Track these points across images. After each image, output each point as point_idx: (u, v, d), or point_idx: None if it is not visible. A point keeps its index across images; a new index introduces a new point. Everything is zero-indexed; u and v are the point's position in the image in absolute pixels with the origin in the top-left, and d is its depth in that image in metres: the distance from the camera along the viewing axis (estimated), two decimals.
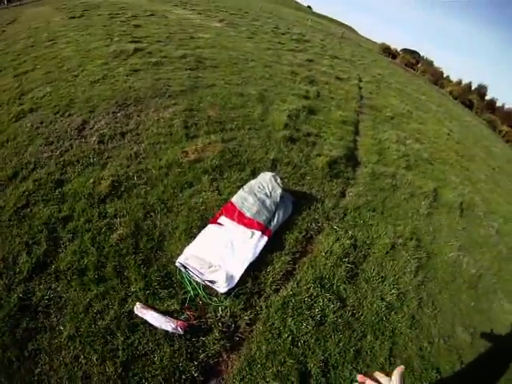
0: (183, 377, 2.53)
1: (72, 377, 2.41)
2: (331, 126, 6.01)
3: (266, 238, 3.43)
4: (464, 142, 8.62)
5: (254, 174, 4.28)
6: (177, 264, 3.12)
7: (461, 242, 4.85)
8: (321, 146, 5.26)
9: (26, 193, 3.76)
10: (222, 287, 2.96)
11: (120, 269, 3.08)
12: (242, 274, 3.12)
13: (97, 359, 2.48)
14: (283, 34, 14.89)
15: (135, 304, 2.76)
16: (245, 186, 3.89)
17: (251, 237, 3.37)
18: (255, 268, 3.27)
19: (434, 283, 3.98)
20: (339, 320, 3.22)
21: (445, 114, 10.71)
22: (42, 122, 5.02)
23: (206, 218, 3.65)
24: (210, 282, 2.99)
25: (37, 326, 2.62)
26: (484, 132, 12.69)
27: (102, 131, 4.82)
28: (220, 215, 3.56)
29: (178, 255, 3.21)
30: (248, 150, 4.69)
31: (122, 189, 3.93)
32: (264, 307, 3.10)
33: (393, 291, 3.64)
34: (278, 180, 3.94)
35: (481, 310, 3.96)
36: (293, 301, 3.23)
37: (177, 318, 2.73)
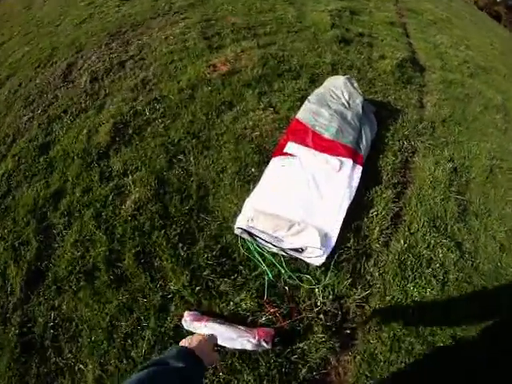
0: None
1: None
2: (380, 27, 4.12)
3: (360, 168, 1.90)
4: (507, 54, 6.64)
5: (313, 82, 2.61)
6: (236, 231, 1.63)
7: None
8: (380, 48, 3.47)
9: (6, 175, 2.29)
10: (316, 257, 1.51)
11: (146, 257, 1.68)
12: (340, 229, 1.66)
13: None
14: None
15: (183, 314, 1.34)
16: (311, 97, 2.24)
17: (340, 168, 1.83)
18: (353, 214, 1.80)
19: None
20: (460, 274, 1.97)
21: (479, 24, 8.47)
22: (20, 84, 3.36)
23: (266, 148, 2.08)
24: (295, 250, 1.52)
25: (50, 369, 1.47)
26: None
27: (93, 68, 3.20)
28: (286, 141, 1.96)
29: (235, 215, 1.72)
30: (296, 55, 2.93)
31: (130, 131, 2.37)
32: (377, 275, 1.72)
33: (501, 228, 2.34)
34: (355, 84, 2.30)
35: None
36: (410, 257, 1.89)
37: (256, 326, 1.32)
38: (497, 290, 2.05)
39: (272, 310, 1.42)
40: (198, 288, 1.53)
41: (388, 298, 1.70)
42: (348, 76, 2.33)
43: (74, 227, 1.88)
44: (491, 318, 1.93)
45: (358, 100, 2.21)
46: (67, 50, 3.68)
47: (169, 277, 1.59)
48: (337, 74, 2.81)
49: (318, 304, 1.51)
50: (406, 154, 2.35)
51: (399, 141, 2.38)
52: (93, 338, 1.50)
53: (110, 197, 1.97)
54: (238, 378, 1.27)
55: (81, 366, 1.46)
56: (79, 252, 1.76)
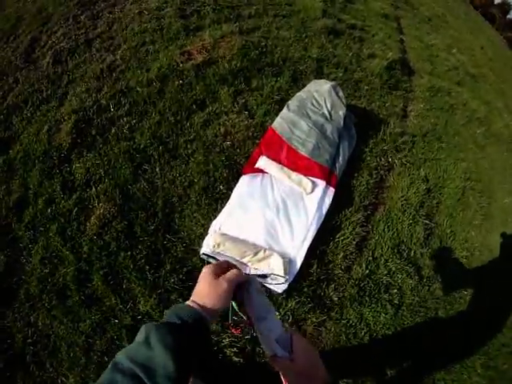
0: None
1: None
2: (373, 19, 4.18)
3: (332, 191, 2.01)
4: (496, 60, 7.02)
5: (295, 81, 2.65)
6: (202, 256, 1.73)
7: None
8: (371, 44, 3.55)
9: None
10: (279, 284, 1.64)
11: (114, 279, 1.78)
12: (306, 254, 1.80)
13: None
14: None
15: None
16: (291, 102, 2.28)
17: (312, 190, 1.94)
18: (320, 238, 1.95)
19: (493, 237, 2.94)
20: (416, 299, 2.25)
21: (473, 24, 8.76)
22: None
23: (237, 161, 2.13)
24: (259, 276, 1.64)
25: (35, 382, 1.65)
26: (507, 53, 10.88)
27: (57, 46, 3.02)
28: (259, 154, 2.02)
29: (201, 238, 1.81)
30: (280, 45, 2.93)
31: (93, 131, 2.34)
32: (336, 299, 1.93)
33: (463, 253, 2.64)
34: (341, 93, 2.36)
35: None
36: (370, 283, 2.11)
37: None
38: (447, 314, 2.32)
39: (235, 332, 1.57)
40: (165, 311, 1.65)
41: (344, 321, 1.91)
42: (334, 83, 2.38)
43: (39, 242, 1.92)
44: (438, 338, 2.22)
45: (341, 112, 2.29)
46: (33, 21, 3.45)
47: (138, 298, 1.72)
48: (322, 71, 2.87)
49: None
50: (382, 171, 2.52)
51: (377, 157, 2.53)
52: (71, 355, 1.65)
53: (74, 211, 2.00)
54: None
55: (63, 378, 1.64)
56: (48, 269, 1.83)
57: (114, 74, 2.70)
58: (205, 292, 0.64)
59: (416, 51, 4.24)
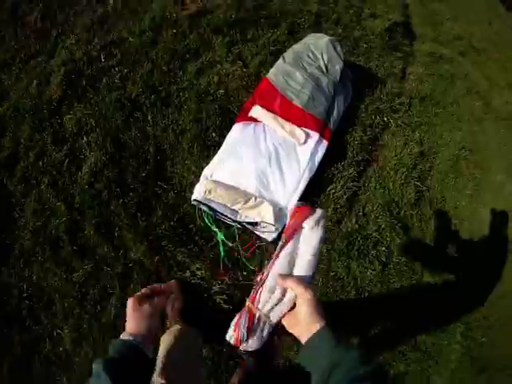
0: None
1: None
2: None
3: (325, 143, 2.00)
4: (502, 37, 6.87)
5: (292, 34, 2.58)
6: (193, 202, 1.74)
7: (506, 162, 3.72)
8: (373, 5, 3.43)
9: None
10: (269, 232, 1.66)
11: (106, 227, 1.83)
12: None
13: None
14: None
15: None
16: (286, 54, 2.22)
17: (305, 141, 1.92)
18: (310, 189, 1.96)
19: (483, 210, 2.93)
20: (403, 259, 2.28)
21: None
22: None
23: (230, 110, 2.11)
24: (249, 223, 1.66)
25: (31, 336, 1.72)
26: None
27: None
28: (252, 104, 1.98)
29: (192, 184, 1.83)
30: None
31: (84, 82, 2.28)
32: (324, 251, 1.97)
33: (452, 220, 2.67)
34: (339, 48, 2.28)
35: None
36: (359, 238, 2.13)
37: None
38: (434, 279, 2.38)
39: (225, 277, 1.62)
40: (156, 257, 1.74)
41: (331, 273, 1.95)
42: (332, 38, 2.30)
43: (32, 196, 1.93)
44: (422, 301, 2.28)
45: (338, 66, 2.23)
46: None
47: (129, 246, 1.77)
48: (320, 27, 2.78)
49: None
50: (377, 129, 2.50)
51: (372, 115, 2.50)
52: (65, 305, 1.72)
53: (66, 162, 1.99)
54: None
55: (58, 330, 1.71)
56: (40, 222, 1.85)
57: (106, 26, 2.59)
58: (130, 321, 0.73)
59: (420, 17, 4.11)
